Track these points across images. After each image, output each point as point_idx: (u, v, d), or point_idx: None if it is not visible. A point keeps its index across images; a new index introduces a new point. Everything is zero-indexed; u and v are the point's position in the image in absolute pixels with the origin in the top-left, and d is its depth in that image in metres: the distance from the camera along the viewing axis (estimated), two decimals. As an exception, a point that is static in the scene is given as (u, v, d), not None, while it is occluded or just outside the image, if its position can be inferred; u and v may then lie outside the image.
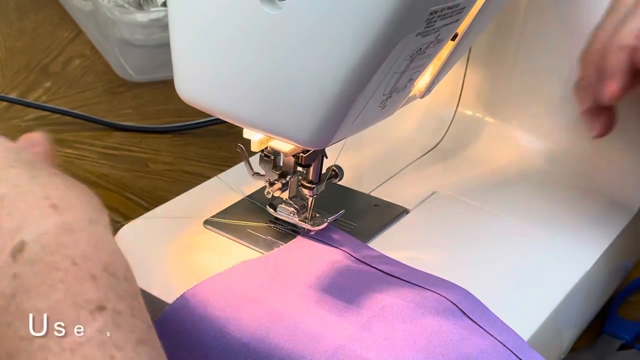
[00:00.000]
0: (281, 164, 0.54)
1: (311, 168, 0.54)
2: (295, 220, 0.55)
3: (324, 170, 0.55)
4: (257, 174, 0.54)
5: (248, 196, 0.60)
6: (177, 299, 0.49)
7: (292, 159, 0.53)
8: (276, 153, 0.53)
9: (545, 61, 0.67)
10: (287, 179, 0.54)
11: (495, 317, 0.49)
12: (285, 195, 0.55)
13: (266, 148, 0.53)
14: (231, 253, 0.55)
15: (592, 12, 0.65)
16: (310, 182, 0.54)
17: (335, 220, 0.55)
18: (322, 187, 0.55)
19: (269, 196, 0.54)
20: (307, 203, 0.55)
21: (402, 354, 0.46)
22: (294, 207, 0.55)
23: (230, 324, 0.48)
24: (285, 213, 0.55)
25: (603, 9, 0.62)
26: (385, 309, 0.48)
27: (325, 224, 0.55)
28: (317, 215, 0.55)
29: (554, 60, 0.67)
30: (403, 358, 0.46)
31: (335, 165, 0.56)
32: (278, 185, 0.54)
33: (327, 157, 0.55)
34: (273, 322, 0.48)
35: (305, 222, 0.55)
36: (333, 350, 0.46)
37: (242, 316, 0.48)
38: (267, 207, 0.56)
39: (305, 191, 0.54)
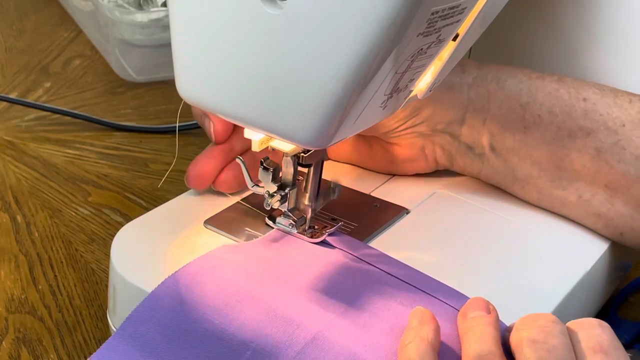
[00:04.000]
0: (280, 176, 0.54)
1: (309, 186, 0.54)
2: (294, 232, 0.55)
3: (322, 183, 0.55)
4: (257, 185, 0.54)
5: (243, 199, 0.60)
6: (158, 286, 0.50)
7: (292, 171, 0.54)
8: (275, 165, 0.54)
9: (546, 61, 0.67)
10: (286, 191, 0.54)
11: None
12: (284, 207, 0.55)
13: (266, 159, 0.53)
14: (231, 253, 0.55)
15: (590, 13, 0.65)
16: (309, 199, 0.55)
17: (334, 232, 0.56)
18: (320, 204, 0.55)
19: (268, 208, 0.55)
20: (306, 217, 0.56)
21: (379, 340, 0.46)
22: (293, 219, 0.55)
23: (209, 310, 0.48)
24: (284, 225, 0.56)
25: (602, 11, 0.62)
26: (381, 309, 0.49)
27: (324, 236, 0.55)
28: (316, 227, 0.56)
29: (555, 60, 0.67)
30: (379, 345, 0.46)
31: (333, 182, 0.56)
32: (277, 197, 0.54)
33: (328, 158, 0.55)
34: (253, 308, 0.48)
35: (303, 234, 0.55)
36: (312, 336, 0.47)
37: (220, 303, 0.49)
38: (266, 218, 0.56)
39: (304, 207, 0.55)
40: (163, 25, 0.95)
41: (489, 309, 0.45)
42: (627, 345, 0.62)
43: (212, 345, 0.47)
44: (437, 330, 0.44)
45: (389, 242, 0.57)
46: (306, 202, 0.55)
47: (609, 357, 0.42)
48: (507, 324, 0.46)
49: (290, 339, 0.47)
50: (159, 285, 0.50)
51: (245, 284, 0.50)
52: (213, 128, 0.58)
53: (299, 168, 0.54)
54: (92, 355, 0.48)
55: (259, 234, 0.56)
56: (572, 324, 0.44)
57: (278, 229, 0.56)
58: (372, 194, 0.63)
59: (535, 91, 0.59)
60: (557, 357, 0.41)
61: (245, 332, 0.47)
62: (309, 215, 0.55)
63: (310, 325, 0.47)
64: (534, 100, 0.59)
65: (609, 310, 0.65)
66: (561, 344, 0.41)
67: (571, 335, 0.43)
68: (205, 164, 0.58)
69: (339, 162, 0.66)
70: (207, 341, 0.47)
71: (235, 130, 0.59)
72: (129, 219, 0.71)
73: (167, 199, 0.62)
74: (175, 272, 0.51)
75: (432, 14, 0.42)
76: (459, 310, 0.47)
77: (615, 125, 0.57)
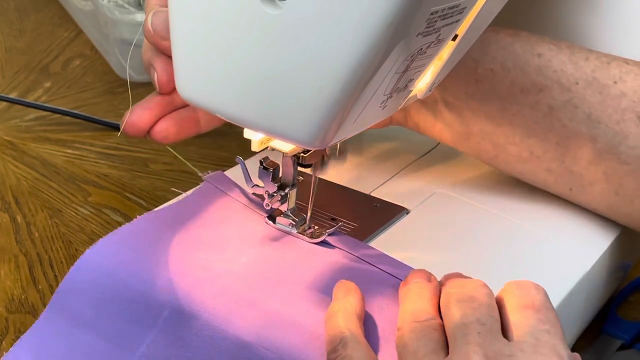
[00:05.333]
0: (280, 176, 0.54)
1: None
2: (293, 232, 0.55)
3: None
4: (256, 185, 0.54)
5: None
6: (80, 258, 0.52)
7: (291, 171, 0.54)
8: (275, 165, 0.54)
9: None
10: (286, 191, 0.54)
11: None
12: (284, 207, 0.55)
13: (266, 159, 0.53)
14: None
15: (588, 14, 0.65)
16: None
17: (333, 232, 0.56)
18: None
19: (268, 208, 0.55)
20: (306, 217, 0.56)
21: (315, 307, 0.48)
22: (293, 219, 0.55)
23: (128, 276, 0.50)
24: (284, 225, 0.56)
25: (602, 12, 0.62)
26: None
27: (324, 237, 0.55)
28: (316, 227, 0.56)
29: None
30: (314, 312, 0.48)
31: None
32: (277, 197, 0.54)
33: (327, 157, 0.55)
34: (170, 271, 0.50)
35: (303, 235, 0.55)
36: (237, 298, 0.48)
37: (138, 269, 0.51)
38: (266, 218, 0.56)
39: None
40: (163, 25, 0.94)
41: (429, 278, 0.48)
42: (627, 346, 0.62)
43: (134, 309, 0.49)
44: (362, 300, 0.47)
45: (389, 242, 0.57)
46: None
47: (538, 314, 0.43)
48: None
49: (212, 299, 0.48)
50: (80, 257, 0.51)
51: (167, 251, 0.52)
52: (157, 78, 0.57)
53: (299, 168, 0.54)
54: (26, 332, 0.51)
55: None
56: (509, 284, 0.46)
57: (278, 229, 0.56)
58: (372, 194, 0.63)
59: (488, 45, 0.58)
60: (480, 314, 0.43)
61: (164, 294, 0.49)
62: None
63: (240, 290, 0.49)
64: (487, 54, 0.58)
65: (609, 310, 0.65)
66: (486, 303, 0.44)
67: (506, 295, 0.45)
68: (140, 113, 0.58)
69: None
70: (129, 306, 0.49)
71: None
72: (129, 219, 0.71)
73: (167, 199, 0.62)
74: (95, 244, 0.52)
75: (432, 13, 0.42)
76: None
77: (569, 82, 0.57)
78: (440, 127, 0.61)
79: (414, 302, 0.46)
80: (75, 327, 0.50)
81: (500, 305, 0.45)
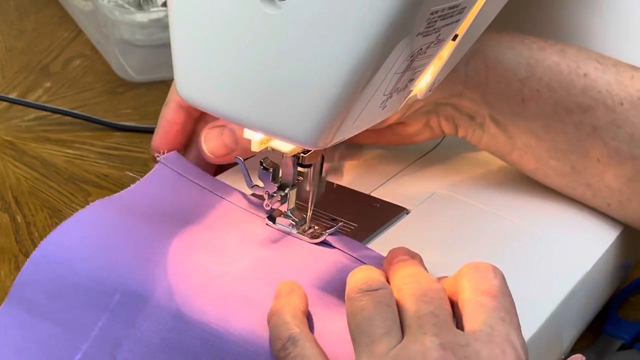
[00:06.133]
0: (280, 176, 0.54)
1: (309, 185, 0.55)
2: (293, 232, 0.55)
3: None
4: (256, 186, 0.54)
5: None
6: (35, 250, 0.52)
7: (292, 171, 0.54)
8: (275, 165, 0.54)
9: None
10: (286, 191, 0.54)
11: None
12: (284, 207, 0.55)
13: (265, 159, 0.53)
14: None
15: (587, 15, 0.65)
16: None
17: (333, 232, 0.55)
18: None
19: (268, 208, 0.55)
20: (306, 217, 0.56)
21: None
22: (293, 220, 0.55)
23: (80, 263, 0.51)
24: (284, 225, 0.55)
25: (602, 13, 0.62)
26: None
27: (324, 237, 0.55)
28: (316, 227, 0.56)
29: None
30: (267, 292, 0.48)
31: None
32: (277, 197, 0.54)
33: (325, 174, 0.55)
34: (122, 256, 0.51)
35: (303, 235, 0.55)
36: (183, 279, 0.49)
37: (86, 255, 0.51)
38: (266, 218, 0.56)
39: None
40: (163, 25, 0.94)
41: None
42: (628, 346, 0.62)
43: (86, 295, 0.50)
44: (304, 297, 0.48)
45: (389, 243, 0.57)
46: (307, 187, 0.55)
47: (494, 300, 0.43)
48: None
49: (160, 282, 0.49)
50: (36, 249, 0.52)
51: (111, 238, 0.53)
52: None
53: (299, 168, 0.54)
54: None
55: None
56: (467, 266, 0.46)
57: (278, 230, 0.56)
58: (372, 194, 0.63)
59: (534, 65, 0.59)
60: (434, 307, 0.43)
61: (115, 278, 0.50)
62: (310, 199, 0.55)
63: (181, 271, 0.50)
64: (533, 75, 0.59)
65: (610, 310, 0.65)
66: (439, 297, 0.44)
67: (463, 278, 0.45)
68: (161, 137, 0.62)
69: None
70: (81, 292, 0.50)
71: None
72: (129, 219, 0.71)
73: (167, 199, 0.62)
74: (49, 235, 0.53)
75: (432, 13, 0.42)
76: None
77: (614, 103, 0.58)
78: (487, 140, 0.63)
79: (363, 271, 0.47)
80: (31, 317, 0.51)
81: (456, 288, 0.45)
